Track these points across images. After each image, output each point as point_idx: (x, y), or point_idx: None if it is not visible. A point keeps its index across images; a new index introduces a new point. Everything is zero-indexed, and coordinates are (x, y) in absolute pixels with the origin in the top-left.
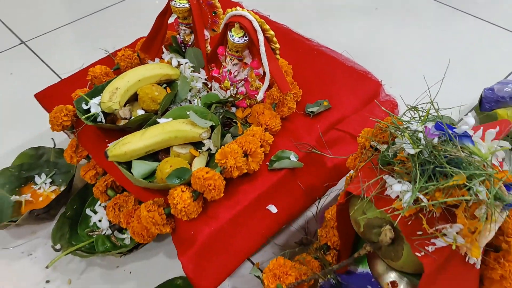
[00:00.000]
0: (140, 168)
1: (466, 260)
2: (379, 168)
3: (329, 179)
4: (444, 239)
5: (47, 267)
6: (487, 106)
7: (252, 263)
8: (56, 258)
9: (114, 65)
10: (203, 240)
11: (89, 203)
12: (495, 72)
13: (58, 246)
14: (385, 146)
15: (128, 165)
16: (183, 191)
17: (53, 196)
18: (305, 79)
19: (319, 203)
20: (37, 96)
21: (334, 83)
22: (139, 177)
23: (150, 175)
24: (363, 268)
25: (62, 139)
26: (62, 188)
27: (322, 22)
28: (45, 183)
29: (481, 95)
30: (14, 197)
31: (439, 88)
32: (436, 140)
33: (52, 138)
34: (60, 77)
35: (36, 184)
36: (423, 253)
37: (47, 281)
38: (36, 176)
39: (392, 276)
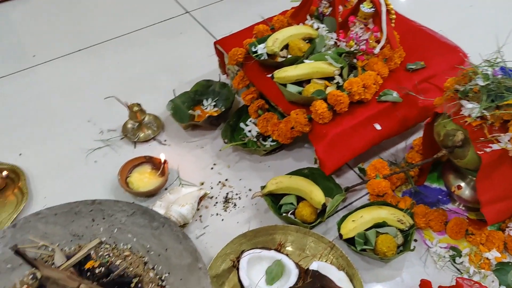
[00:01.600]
0: (292, 88)
1: None
2: (458, 99)
3: (418, 115)
4: (498, 144)
5: (220, 150)
6: None
7: (354, 170)
8: (225, 147)
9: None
10: (331, 136)
11: (243, 119)
12: None
13: (226, 140)
14: (463, 87)
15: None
16: (321, 103)
17: (215, 114)
18: (408, 47)
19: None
20: (217, 42)
21: (430, 51)
22: (290, 91)
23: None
24: (436, 185)
25: (223, 78)
26: (222, 110)
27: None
28: (210, 105)
29: None
30: (190, 112)
31: None
32: (499, 76)
33: (219, 74)
34: (215, 38)
35: (203, 105)
36: (482, 152)
37: (214, 164)
38: (205, 99)
39: (459, 182)
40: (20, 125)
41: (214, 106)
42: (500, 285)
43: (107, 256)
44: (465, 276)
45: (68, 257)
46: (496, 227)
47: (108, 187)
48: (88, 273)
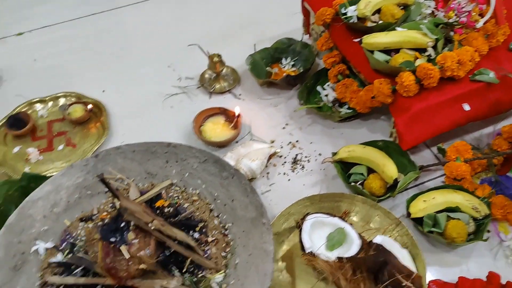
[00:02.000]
0: (380, 56)
1: None
2: None
3: None
4: None
5: (294, 111)
6: None
7: (431, 150)
8: (300, 108)
9: None
10: (414, 111)
11: (320, 82)
12: None
13: (301, 102)
14: None
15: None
16: (409, 75)
17: (293, 74)
18: None
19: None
20: (306, 0)
21: None
22: (377, 58)
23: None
24: None
25: (305, 38)
26: (300, 70)
27: None
28: (289, 65)
29: None
30: (268, 69)
31: None
32: None
33: (302, 34)
34: None
35: (282, 64)
36: None
37: (286, 124)
38: (284, 58)
39: None
40: (106, 63)
41: (293, 65)
42: None
43: (176, 198)
44: None
45: (142, 193)
46: None
47: (181, 133)
48: (158, 211)
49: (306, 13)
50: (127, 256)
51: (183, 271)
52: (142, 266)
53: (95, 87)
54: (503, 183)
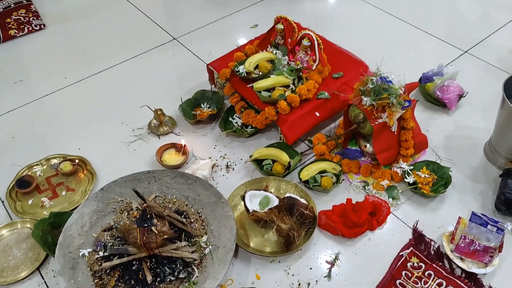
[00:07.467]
0: (264, 93)
1: (391, 129)
2: (360, 95)
3: (340, 106)
4: (381, 119)
5: (220, 136)
6: (423, 82)
7: (305, 142)
8: (223, 133)
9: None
10: (290, 121)
11: (231, 114)
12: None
13: (222, 129)
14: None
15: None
16: (283, 102)
17: (210, 112)
18: (333, 63)
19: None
20: (209, 64)
21: (345, 64)
22: (264, 95)
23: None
24: (354, 147)
25: (212, 88)
26: (215, 110)
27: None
28: (206, 107)
29: (421, 76)
30: (193, 112)
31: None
32: (380, 82)
33: (211, 86)
34: (202, 60)
35: (202, 107)
36: (374, 124)
37: (215, 145)
38: (202, 103)
39: (365, 143)
40: (77, 125)
41: (209, 107)
42: (388, 197)
43: (162, 203)
44: (370, 194)
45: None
46: (388, 167)
47: (148, 165)
48: None
49: (210, 72)
50: (156, 231)
51: (183, 239)
52: (165, 235)
53: (73, 147)
54: (346, 152)
